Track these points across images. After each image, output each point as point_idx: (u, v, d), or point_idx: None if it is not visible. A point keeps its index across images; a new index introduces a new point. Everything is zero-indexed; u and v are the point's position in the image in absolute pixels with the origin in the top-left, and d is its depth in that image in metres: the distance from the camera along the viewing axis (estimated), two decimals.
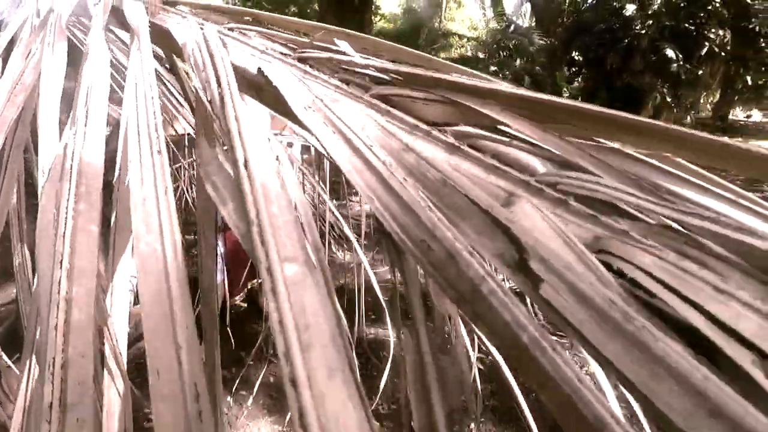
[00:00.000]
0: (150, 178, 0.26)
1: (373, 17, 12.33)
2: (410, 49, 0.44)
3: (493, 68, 12.57)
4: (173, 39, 0.52)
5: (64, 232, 0.29)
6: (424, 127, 0.31)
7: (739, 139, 11.87)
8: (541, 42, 12.08)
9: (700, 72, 11.47)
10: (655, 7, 11.49)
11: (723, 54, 11.27)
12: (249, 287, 3.03)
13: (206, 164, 0.26)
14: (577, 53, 14.12)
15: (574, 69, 14.83)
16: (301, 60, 0.42)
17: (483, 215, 0.21)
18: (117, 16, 0.70)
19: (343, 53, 0.43)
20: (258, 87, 0.42)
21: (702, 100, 12.74)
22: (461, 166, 0.27)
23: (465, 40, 14.61)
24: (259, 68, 0.40)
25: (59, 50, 0.58)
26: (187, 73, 1.01)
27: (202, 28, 0.47)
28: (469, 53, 14.28)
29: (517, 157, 0.29)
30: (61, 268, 0.27)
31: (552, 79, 13.52)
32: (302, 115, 0.32)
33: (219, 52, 0.39)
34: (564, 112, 0.30)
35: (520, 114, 0.32)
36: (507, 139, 0.30)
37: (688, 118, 12.83)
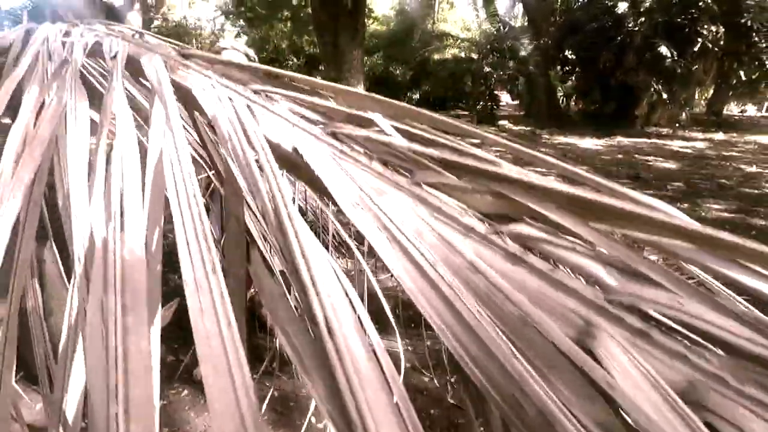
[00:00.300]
0: (209, 308, 0.25)
1: (366, 20, 12.31)
2: (448, 120, 0.43)
3: (487, 69, 12.60)
4: (198, 104, 0.51)
5: (116, 356, 0.28)
6: (480, 229, 0.30)
7: (734, 134, 11.92)
8: (530, 46, 12.09)
9: (694, 68, 11.52)
10: (647, 4, 11.54)
11: (716, 49, 11.33)
12: (247, 296, 2.96)
13: (270, 300, 0.24)
14: (569, 52, 14.17)
15: (567, 68, 14.88)
16: (335, 135, 0.41)
17: (575, 370, 0.20)
18: (133, 66, 0.69)
19: (378, 127, 0.42)
20: (293, 164, 0.41)
21: (696, 96, 12.81)
22: (528, 284, 0.26)
23: (458, 41, 14.63)
24: (296, 149, 0.39)
25: (81, 114, 0.57)
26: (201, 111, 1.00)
27: (231, 100, 0.45)
28: (463, 54, 14.30)
29: (582, 266, 0.28)
30: (117, 402, 0.26)
31: (546, 78, 13.55)
32: (351, 213, 0.31)
33: (255, 131, 0.38)
34: (622, 217, 0.29)
35: (575, 212, 0.31)
36: (568, 243, 0.29)
37: (683, 114, 12.89)
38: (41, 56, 0.85)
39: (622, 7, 11.76)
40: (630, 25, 11.75)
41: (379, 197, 0.32)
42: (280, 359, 2.67)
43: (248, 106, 0.45)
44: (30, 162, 0.55)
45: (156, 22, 19.54)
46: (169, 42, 0.82)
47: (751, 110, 17.96)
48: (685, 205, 5.40)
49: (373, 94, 0.49)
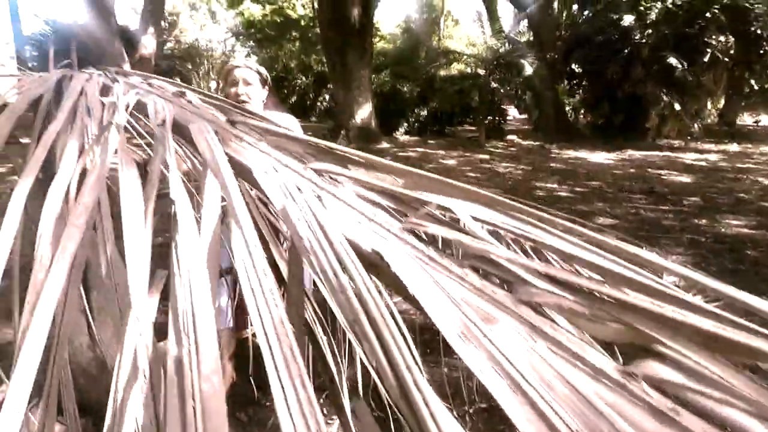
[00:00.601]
0: None
1: (373, 39, 12.46)
2: (529, 209, 0.39)
3: (494, 84, 12.64)
4: (260, 187, 0.48)
5: None
6: (612, 372, 0.27)
7: (749, 145, 11.77)
8: (535, 63, 12.09)
9: (704, 78, 11.46)
10: (653, 16, 11.55)
11: (726, 59, 11.27)
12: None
13: None
14: (576, 65, 14.20)
15: (574, 81, 14.91)
16: (413, 233, 0.38)
17: None
18: (181, 132, 0.67)
19: (459, 221, 0.39)
20: (372, 264, 0.38)
21: (708, 107, 12.71)
22: None
23: (464, 57, 14.73)
24: (379, 253, 0.36)
25: (132, 187, 0.55)
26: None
27: (300, 190, 0.43)
28: (469, 70, 14.35)
29: (741, 426, 0.24)
30: None
31: (553, 92, 13.56)
32: (460, 348, 0.28)
33: (341, 243, 0.35)
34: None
35: (710, 346, 0.28)
36: (719, 394, 0.25)
37: (695, 125, 12.79)
38: (80, 113, 0.84)
39: (628, 20, 11.78)
40: (637, 38, 11.75)
41: (488, 326, 0.29)
42: None
43: (319, 197, 0.42)
44: (75, 231, 0.53)
45: (169, 44, 19.96)
46: (210, 99, 0.80)
47: (765, 120, 17.73)
48: (704, 221, 5.30)
49: (443, 178, 0.46)
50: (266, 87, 1.84)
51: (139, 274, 0.44)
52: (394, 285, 0.35)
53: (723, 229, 4.95)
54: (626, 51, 12.05)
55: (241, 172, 0.54)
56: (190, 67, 20.92)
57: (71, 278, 0.57)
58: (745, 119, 17.08)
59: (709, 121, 14.07)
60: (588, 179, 7.74)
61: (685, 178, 8.05)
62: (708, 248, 4.30)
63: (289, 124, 1.81)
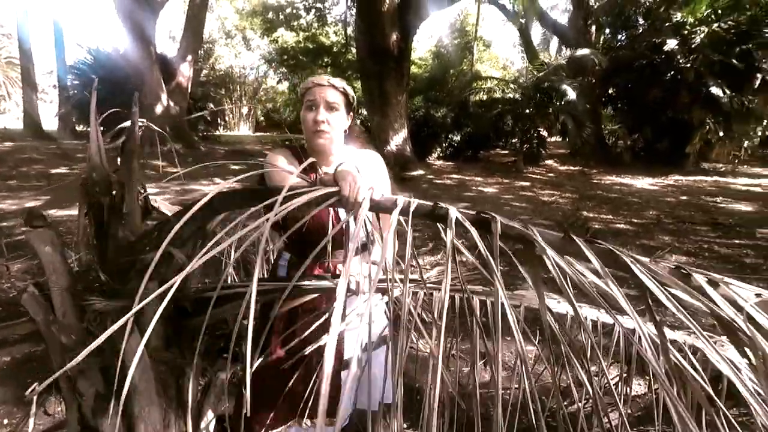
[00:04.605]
0: None
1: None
2: None
3: (530, 109, 12.41)
4: None
5: None
6: None
7: None
8: (578, 87, 11.83)
9: (755, 102, 11.01)
10: (698, 40, 11.23)
11: None
12: None
13: None
14: (613, 90, 13.89)
15: (613, 106, 14.59)
16: None
17: None
18: None
19: None
20: None
21: (759, 131, 12.16)
22: None
23: (498, 81, 14.59)
24: None
25: None
26: None
27: None
28: (500, 95, 14.09)
29: None
30: None
31: (593, 116, 13.24)
32: None
33: None
34: None
35: None
36: None
37: (741, 149, 12.27)
38: None
39: (671, 45, 11.49)
40: (681, 62, 11.43)
41: None
42: None
43: None
44: None
45: (204, 71, 20.53)
46: None
47: None
48: None
49: None
50: (351, 114, 1.45)
51: None
52: None
53: None
54: (669, 76, 11.74)
55: None
56: (223, 92, 21.42)
57: None
58: None
59: (755, 143, 13.44)
60: (642, 208, 7.35)
61: (745, 206, 7.56)
62: None
63: (377, 165, 1.51)
